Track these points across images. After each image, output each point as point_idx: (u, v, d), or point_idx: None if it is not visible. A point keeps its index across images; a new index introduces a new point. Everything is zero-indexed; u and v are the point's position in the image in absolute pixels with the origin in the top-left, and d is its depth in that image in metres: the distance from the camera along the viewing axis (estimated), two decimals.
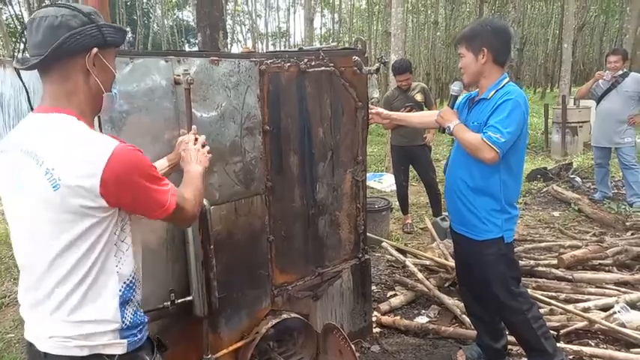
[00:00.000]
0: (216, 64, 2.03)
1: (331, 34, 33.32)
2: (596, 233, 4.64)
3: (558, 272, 3.59)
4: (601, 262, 3.79)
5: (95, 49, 1.17)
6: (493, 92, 2.23)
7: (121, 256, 1.21)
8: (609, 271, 3.73)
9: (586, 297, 3.25)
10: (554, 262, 3.77)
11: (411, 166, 5.25)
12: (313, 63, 2.38)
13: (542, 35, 31.26)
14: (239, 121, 2.13)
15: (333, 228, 2.66)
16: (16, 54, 1.22)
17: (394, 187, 5.65)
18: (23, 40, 1.20)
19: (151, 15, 29.26)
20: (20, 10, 19.31)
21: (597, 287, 3.41)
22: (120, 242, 1.20)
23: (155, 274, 1.89)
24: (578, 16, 19.03)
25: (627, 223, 4.78)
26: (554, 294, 3.30)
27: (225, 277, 2.10)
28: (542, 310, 2.68)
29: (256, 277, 2.31)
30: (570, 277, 3.51)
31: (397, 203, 5.42)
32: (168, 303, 1.90)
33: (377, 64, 2.68)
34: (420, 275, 3.55)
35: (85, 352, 1.17)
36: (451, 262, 3.53)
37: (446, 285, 3.62)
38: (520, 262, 3.12)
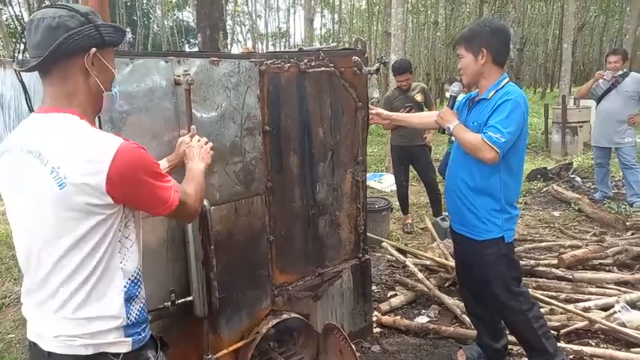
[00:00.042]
0: (216, 64, 2.03)
1: (331, 35, 33.33)
2: (596, 233, 4.64)
3: (558, 272, 3.60)
4: (601, 261, 3.79)
5: (94, 49, 1.18)
6: (493, 92, 2.23)
7: (126, 252, 1.22)
8: (609, 270, 3.73)
9: (586, 297, 3.25)
10: (555, 261, 3.77)
11: (411, 166, 5.25)
12: (313, 63, 2.38)
13: (542, 35, 31.26)
14: (239, 122, 2.14)
15: (333, 228, 2.66)
16: (16, 55, 1.23)
17: (394, 187, 5.65)
18: (23, 41, 1.21)
19: (151, 15, 29.27)
20: (20, 11, 19.33)
21: (597, 287, 3.41)
22: (124, 239, 1.21)
23: (155, 274, 1.90)
24: (578, 16, 19.03)
25: (627, 223, 4.78)
26: (554, 294, 3.30)
27: (225, 278, 2.11)
28: (542, 310, 2.67)
29: (256, 277, 2.31)
30: (570, 276, 3.52)
31: (397, 203, 5.42)
32: (169, 303, 1.90)
33: (377, 65, 2.68)
34: (420, 275, 3.55)
35: (90, 351, 1.18)
36: (451, 262, 3.53)
37: (446, 285, 3.62)
38: (520, 261, 3.12)
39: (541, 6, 29.53)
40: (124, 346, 1.22)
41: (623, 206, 5.39)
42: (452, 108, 2.42)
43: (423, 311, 3.36)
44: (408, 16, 23.22)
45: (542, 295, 3.21)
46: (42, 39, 1.14)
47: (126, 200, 1.18)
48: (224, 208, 2.13)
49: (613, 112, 5.42)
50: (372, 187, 6.91)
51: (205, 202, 1.91)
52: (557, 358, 2.34)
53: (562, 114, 8.87)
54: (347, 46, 3.09)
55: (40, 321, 1.21)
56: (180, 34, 31.05)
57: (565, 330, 2.88)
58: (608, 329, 2.84)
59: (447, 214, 4.05)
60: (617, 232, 4.67)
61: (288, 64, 2.28)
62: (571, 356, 2.63)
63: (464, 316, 3.06)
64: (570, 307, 3.04)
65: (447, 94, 6.08)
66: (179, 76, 1.88)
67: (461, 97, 2.55)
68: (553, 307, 3.06)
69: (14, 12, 19.18)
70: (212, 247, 1.96)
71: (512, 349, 2.74)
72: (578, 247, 3.99)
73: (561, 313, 3.02)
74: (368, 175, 4.01)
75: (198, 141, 1.72)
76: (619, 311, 2.92)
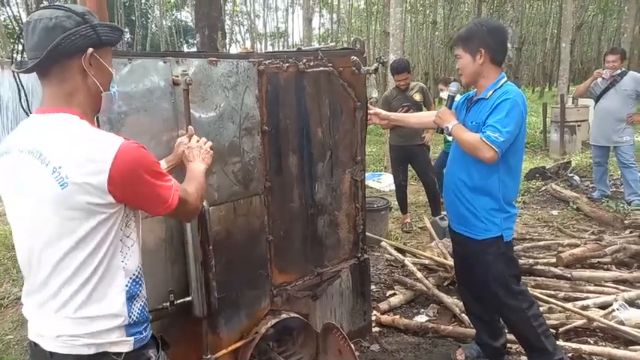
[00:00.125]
0: (214, 64, 2.03)
1: (330, 34, 33.34)
2: (594, 232, 4.65)
3: (557, 271, 3.60)
4: (600, 260, 3.80)
5: (91, 49, 1.18)
6: (491, 92, 2.23)
7: (127, 251, 1.22)
8: (608, 269, 3.74)
9: (585, 295, 3.25)
10: (553, 260, 3.78)
11: (409, 166, 5.26)
12: (312, 63, 2.38)
13: (541, 35, 31.29)
14: (238, 122, 2.14)
15: (332, 228, 2.66)
16: (14, 56, 1.23)
17: (393, 187, 5.66)
18: (21, 42, 1.21)
19: (149, 16, 29.24)
20: (18, 11, 19.30)
21: (596, 285, 3.42)
22: (125, 238, 1.22)
23: (154, 274, 1.89)
24: (576, 15, 19.06)
25: (625, 222, 4.78)
26: (553, 292, 3.31)
27: (224, 278, 2.11)
28: (541, 309, 2.68)
29: (255, 277, 2.32)
30: (569, 275, 3.52)
31: (396, 203, 5.43)
32: (168, 303, 1.90)
33: (375, 64, 2.68)
34: (419, 274, 3.56)
35: (92, 351, 1.18)
36: (450, 261, 3.54)
37: (445, 284, 3.62)
38: (519, 260, 3.12)
39: (539, 5, 29.56)
40: (126, 346, 1.22)
41: (622, 205, 5.40)
42: (450, 108, 2.42)
43: (422, 310, 3.37)
44: (407, 16, 23.23)
45: (540, 293, 3.22)
46: (39, 40, 1.14)
47: (127, 199, 1.18)
48: (223, 208, 2.13)
49: (611, 111, 5.43)
50: (371, 187, 6.92)
51: (204, 203, 1.91)
52: (556, 357, 2.35)
53: (560, 113, 8.89)
54: (345, 45, 3.09)
55: (42, 321, 1.21)
56: (179, 34, 31.02)
57: (564, 328, 2.88)
58: (606, 327, 2.85)
59: (445, 213, 4.06)
60: (616, 230, 4.68)
61: (287, 64, 2.28)
62: (570, 354, 2.64)
63: (463, 315, 3.07)
64: (569, 305, 3.04)
65: (442, 94, 6.10)
66: (177, 76, 1.87)
67: (458, 97, 2.55)
68: (552, 305, 3.07)
69: (12, 12, 19.15)
70: (211, 247, 1.96)
71: (511, 348, 2.75)
72: (577, 246, 3.99)
73: (560, 312, 3.03)
74: (367, 174, 4.02)
75: (198, 141, 1.72)
76: (617, 309, 2.93)
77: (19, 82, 1.28)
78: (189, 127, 1.82)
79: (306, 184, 2.49)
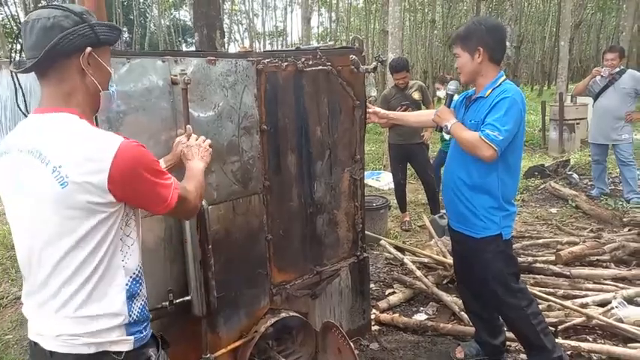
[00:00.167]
0: (213, 63, 2.03)
1: (328, 33, 33.32)
2: (593, 229, 4.66)
3: (556, 268, 3.61)
4: (598, 258, 3.81)
5: (89, 49, 1.18)
6: (490, 90, 2.23)
7: (127, 250, 1.22)
8: (607, 267, 3.74)
9: (584, 293, 3.26)
10: (552, 258, 3.79)
11: (408, 164, 5.26)
12: (310, 62, 2.38)
13: (540, 33, 31.31)
14: (236, 121, 2.13)
15: (331, 226, 2.66)
16: (13, 56, 1.23)
17: (392, 185, 5.66)
18: (19, 42, 1.21)
19: (147, 15, 29.20)
20: (16, 11, 19.25)
21: (595, 283, 3.42)
22: (125, 237, 1.22)
23: (153, 273, 1.89)
24: (575, 13, 19.07)
25: (624, 219, 4.79)
26: (552, 290, 3.31)
27: (223, 277, 2.10)
28: (540, 307, 2.69)
29: (255, 276, 2.32)
30: (568, 273, 3.53)
31: (395, 201, 5.43)
32: (167, 303, 1.90)
33: (374, 63, 2.68)
34: (418, 273, 3.56)
35: (92, 350, 1.18)
36: (449, 260, 3.54)
37: (444, 282, 3.63)
38: (518, 258, 3.13)
39: (538, 3, 29.59)
40: (126, 345, 1.22)
41: (620, 203, 5.41)
42: (449, 106, 2.42)
43: (422, 309, 3.37)
44: (406, 15, 23.23)
45: (539, 291, 3.22)
46: (37, 40, 1.14)
47: (127, 198, 1.18)
48: (222, 207, 2.13)
49: (610, 109, 5.44)
50: (370, 186, 6.92)
51: (203, 202, 1.91)
52: (555, 354, 2.35)
53: (559, 111, 8.89)
54: (344, 44, 3.09)
55: (42, 321, 1.21)
56: (177, 34, 30.99)
57: (563, 326, 2.89)
58: (605, 325, 2.86)
59: (444, 211, 4.06)
60: (614, 228, 4.69)
61: (286, 63, 2.28)
62: (569, 352, 2.64)
63: (462, 313, 3.07)
64: (568, 303, 3.05)
65: (438, 93, 6.10)
66: (176, 75, 1.87)
67: (456, 96, 2.55)
68: (551, 303, 3.07)
69: (10, 12, 19.11)
70: (210, 246, 1.96)
71: (510, 346, 2.75)
72: (576, 244, 4.00)
73: (559, 310, 3.03)
74: (366, 173, 4.02)
75: (197, 139, 1.72)
76: (616, 307, 2.94)
77: (16, 82, 1.27)
78: (188, 126, 1.82)
79: (305, 183, 2.49)
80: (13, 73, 1.24)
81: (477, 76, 2.29)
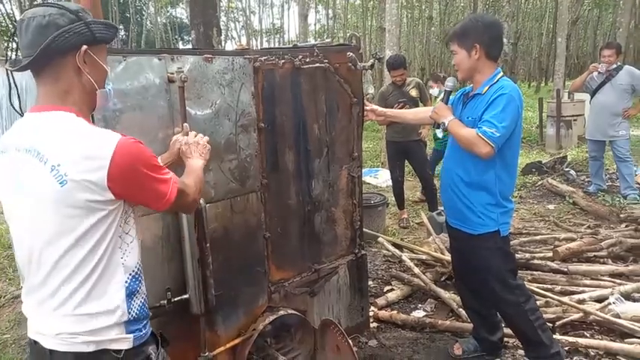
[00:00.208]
0: (210, 61, 2.02)
1: (326, 31, 33.25)
2: (590, 226, 4.68)
3: (553, 265, 3.62)
4: (596, 254, 3.82)
5: (85, 47, 1.17)
6: (487, 87, 2.23)
7: (126, 248, 1.22)
8: (604, 263, 3.76)
9: (581, 289, 3.27)
10: (550, 254, 3.79)
11: (406, 162, 5.26)
12: (308, 59, 2.38)
13: (537, 29, 31.31)
14: (234, 119, 2.13)
15: (329, 224, 2.66)
16: (8, 55, 1.22)
17: (390, 183, 5.66)
18: (15, 40, 1.20)
19: (144, 12, 29.09)
20: (11, 9, 19.14)
21: (592, 279, 3.43)
22: (124, 234, 1.22)
23: (151, 272, 1.88)
24: (572, 10, 19.09)
25: (621, 216, 4.81)
26: (549, 286, 3.33)
27: (221, 275, 2.10)
28: (537, 303, 2.70)
29: (253, 274, 2.32)
30: (565, 269, 3.54)
31: (393, 198, 5.44)
32: (165, 301, 1.90)
33: (371, 60, 2.67)
34: (416, 270, 3.57)
35: (91, 348, 1.18)
36: (447, 257, 3.55)
37: (442, 279, 3.64)
38: (516, 255, 3.14)
39: (535, 0, 29.57)
40: (126, 343, 1.22)
41: (617, 199, 5.43)
42: (446, 103, 2.43)
43: (420, 305, 3.38)
44: (403, 12, 23.20)
45: (537, 287, 3.23)
46: (33, 38, 1.13)
47: (126, 195, 1.18)
48: (219, 205, 2.13)
49: (607, 106, 5.45)
50: (368, 183, 6.92)
51: (201, 200, 1.91)
52: (552, 350, 2.36)
53: (556, 108, 8.90)
54: (341, 41, 3.08)
55: (41, 319, 1.21)
56: (174, 31, 30.88)
57: (560, 322, 2.90)
58: (602, 321, 2.87)
59: (442, 208, 4.06)
60: (612, 224, 4.70)
61: (283, 61, 2.27)
62: (566, 348, 2.65)
63: (460, 309, 3.08)
64: (565, 299, 3.06)
65: (431, 91, 6.12)
66: (173, 73, 1.87)
67: (453, 92, 2.55)
68: (548, 299, 3.09)
69: (5, 10, 19.00)
70: (208, 244, 1.96)
71: (508, 342, 2.76)
72: (573, 240, 4.01)
73: (556, 306, 3.04)
74: (364, 170, 4.01)
75: (195, 137, 1.72)
76: (613, 303, 2.95)
77: (11, 81, 1.27)
78: (185, 124, 1.82)
79: (303, 180, 2.49)
80: (9, 72, 1.24)
81: (474, 73, 2.29)
